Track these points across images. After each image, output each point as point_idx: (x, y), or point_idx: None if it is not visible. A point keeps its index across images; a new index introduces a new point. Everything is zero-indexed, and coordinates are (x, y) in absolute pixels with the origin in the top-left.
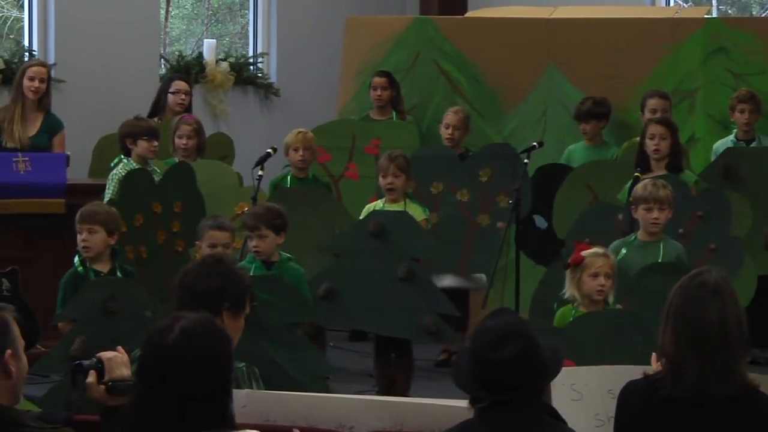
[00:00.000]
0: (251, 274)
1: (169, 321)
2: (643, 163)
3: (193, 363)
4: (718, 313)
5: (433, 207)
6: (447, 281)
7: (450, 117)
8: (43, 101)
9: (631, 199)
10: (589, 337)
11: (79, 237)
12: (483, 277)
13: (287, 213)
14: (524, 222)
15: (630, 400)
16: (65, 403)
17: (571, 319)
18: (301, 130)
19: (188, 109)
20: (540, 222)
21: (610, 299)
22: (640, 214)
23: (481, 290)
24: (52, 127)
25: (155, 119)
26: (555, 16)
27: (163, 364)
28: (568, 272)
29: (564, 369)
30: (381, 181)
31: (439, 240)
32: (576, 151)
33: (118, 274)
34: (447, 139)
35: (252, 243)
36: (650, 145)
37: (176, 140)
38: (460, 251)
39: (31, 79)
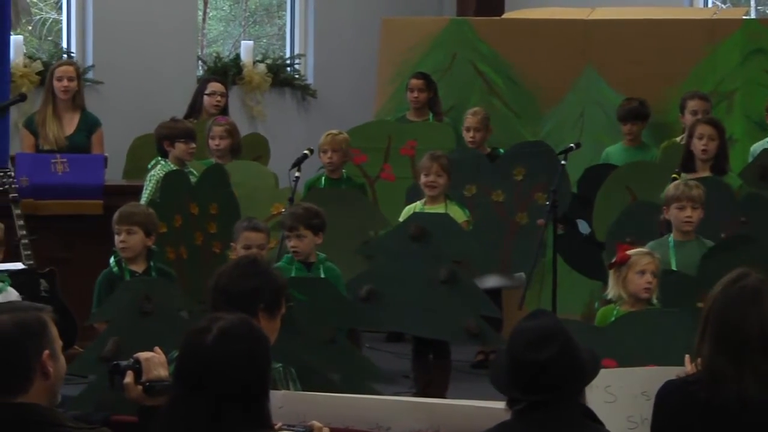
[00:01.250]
0: (293, 275)
1: (207, 322)
2: (688, 164)
3: (231, 364)
4: (758, 318)
5: (469, 211)
6: (491, 282)
7: (469, 119)
8: (76, 99)
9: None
10: (630, 336)
11: (117, 238)
12: (524, 276)
13: (325, 214)
14: (566, 226)
15: (668, 403)
16: (96, 404)
17: (613, 318)
18: (331, 131)
19: (224, 110)
20: (583, 227)
21: (654, 299)
22: (672, 213)
23: (521, 290)
24: (90, 125)
25: (192, 120)
26: (593, 17)
27: (200, 365)
28: (611, 272)
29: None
30: (423, 179)
31: (479, 242)
32: (614, 153)
33: (153, 274)
34: (470, 141)
35: (290, 243)
36: (698, 146)
37: (210, 142)
38: (501, 251)
39: (59, 79)
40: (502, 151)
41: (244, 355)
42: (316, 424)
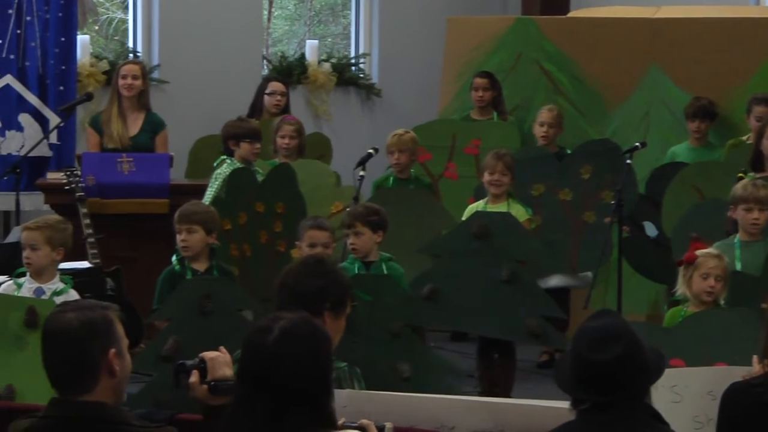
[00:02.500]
0: (356, 272)
1: (269, 322)
2: (758, 164)
3: (294, 363)
4: None
5: (535, 209)
6: (554, 281)
7: (545, 115)
8: (141, 99)
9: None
10: (697, 337)
11: (178, 237)
12: (590, 275)
13: (387, 212)
14: (632, 228)
15: (733, 404)
16: (156, 402)
17: (680, 319)
18: (397, 132)
19: (285, 110)
20: (650, 230)
21: (721, 301)
22: (739, 214)
23: (587, 289)
24: (155, 125)
25: (254, 120)
26: (658, 15)
27: (262, 365)
28: (680, 269)
29: (665, 371)
30: (486, 177)
31: (546, 241)
32: (680, 152)
33: (215, 273)
34: (542, 137)
35: (349, 241)
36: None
37: (278, 140)
38: (569, 250)
39: (124, 77)
40: (569, 151)
41: (305, 354)
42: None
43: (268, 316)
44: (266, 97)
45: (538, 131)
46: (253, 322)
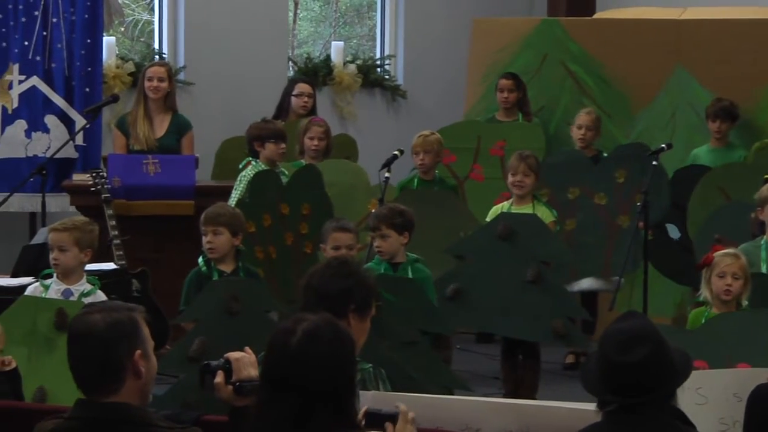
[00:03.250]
0: (381, 272)
1: (292, 323)
2: None
3: (317, 365)
4: None
5: (571, 213)
6: (586, 284)
7: (583, 118)
8: (168, 101)
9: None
10: (720, 338)
11: (204, 239)
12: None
13: (413, 213)
14: (655, 231)
15: (759, 406)
16: (183, 403)
17: (703, 321)
18: (423, 133)
19: (312, 111)
20: (673, 232)
21: (744, 301)
22: (766, 216)
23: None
24: (181, 127)
25: (280, 121)
26: (684, 17)
27: (286, 367)
28: (703, 273)
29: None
30: (510, 179)
31: (581, 245)
32: (701, 154)
33: (241, 274)
34: (579, 139)
35: (375, 243)
36: None
37: (306, 141)
38: (603, 254)
39: (150, 79)
40: (605, 154)
41: (328, 356)
42: (403, 407)
43: (291, 317)
44: (293, 99)
45: (576, 134)
46: (277, 324)
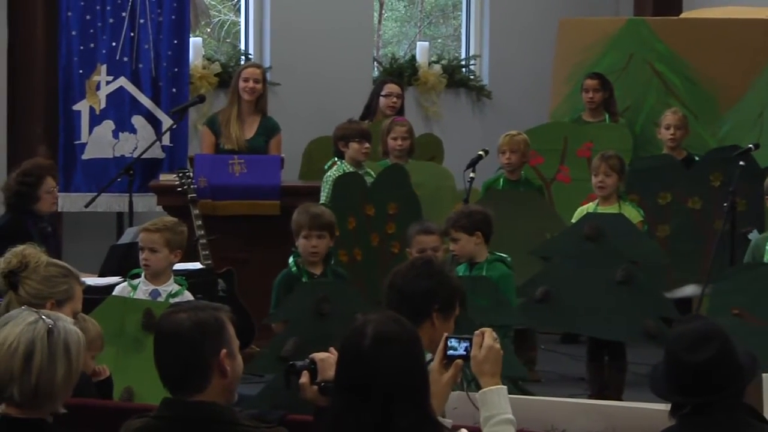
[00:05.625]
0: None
1: (360, 326)
2: None
3: (390, 365)
4: None
5: (663, 219)
6: (688, 291)
7: (670, 117)
8: (259, 103)
9: None
10: None
11: (306, 242)
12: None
13: (486, 211)
14: (738, 238)
15: None
16: (276, 403)
17: None
18: (510, 132)
19: (400, 111)
20: (755, 235)
21: None
22: None
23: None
24: (269, 129)
25: (366, 122)
26: None
27: (360, 370)
28: None
29: None
30: (593, 179)
31: (677, 251)
32: None
33: (329, 276)
34: (669, 139)
35: (451, 247)
36: None
37: (390, 142)
38: (701, 260)
39: (246, 80)
40: (696, 155)
41: (401, 354)
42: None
43: (359, 319)
44: (382, 99)
45: (665, 135)
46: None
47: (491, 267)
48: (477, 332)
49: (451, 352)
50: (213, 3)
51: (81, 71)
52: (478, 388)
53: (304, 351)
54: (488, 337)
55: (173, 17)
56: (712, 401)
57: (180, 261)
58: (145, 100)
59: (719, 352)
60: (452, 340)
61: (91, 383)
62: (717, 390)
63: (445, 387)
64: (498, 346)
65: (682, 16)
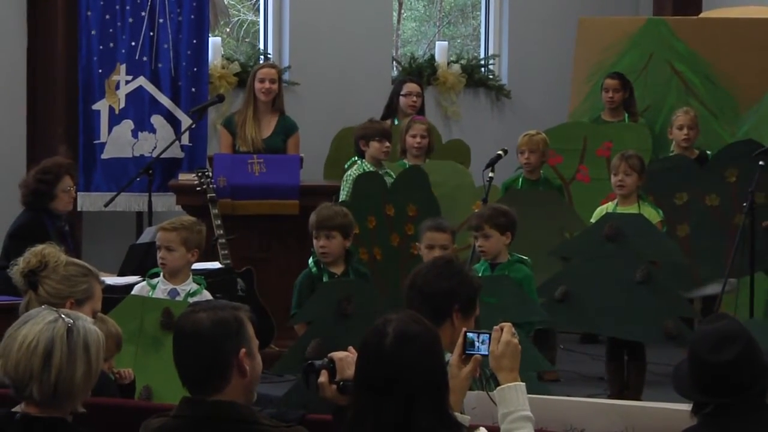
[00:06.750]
0: (479, 275)
1: (381, 325)
2: None
3: (412, 364)
4: None
5: (682, 218)
6: (711, 289)
7: (682, 118)
8: (276, 103)
9: None
10: None
11: (316, 242)
12: (736, 281)
13: (515, 213)
14: (759, 232)
15: None
16: (301, 403)
17: None
18: (529, 132)
19: (420, 111)
20: None
21: None
22: None
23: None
24: (287, 129)
25: (387, 121)
26: None
27: (383, 370)
28: None
29: None
30: (612, 179)
31: (698, 250)
32: None
33: (351, 275)
34: (683, 140)
35: (477, 243)
36: None
37: (409, 140)
38: (723, 256)
39: (261, 80)
40: (708, 152)
41: (422, 353)
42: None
43: (379, 319)
44: (401, 98)
45: (678, 135)
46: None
47: (513, 268)
48: (496, 327)
49: (469, 348)
50: (232, 2)
51: (100, 71)
52: (497, 385)
53: (328, 351)
54: (507, 332)
55: (192, 17)
56: (735, 401)
57: (199, 260)
58: (164, 100)
59: (743, 352)
60: (471, 334)
61: (112, 383)
62: (740, 390)
63: (463, 382)
64: (516, 341)
65: (702, 15)
